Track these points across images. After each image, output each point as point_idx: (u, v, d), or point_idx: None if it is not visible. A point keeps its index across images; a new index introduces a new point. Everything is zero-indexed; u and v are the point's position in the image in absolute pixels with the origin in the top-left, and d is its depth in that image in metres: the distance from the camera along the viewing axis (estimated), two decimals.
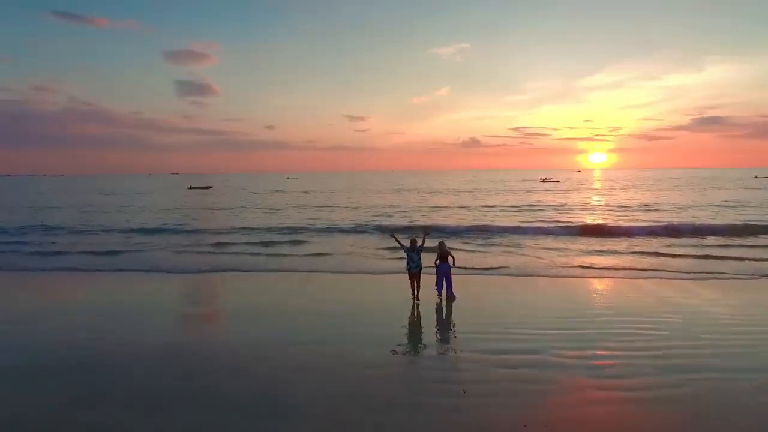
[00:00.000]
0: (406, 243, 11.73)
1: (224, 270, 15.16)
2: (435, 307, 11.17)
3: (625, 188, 69.13)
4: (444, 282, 11.50)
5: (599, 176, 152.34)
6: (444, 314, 10.69)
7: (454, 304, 11.24)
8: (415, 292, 11.49)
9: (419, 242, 11.62)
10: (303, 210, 37.04)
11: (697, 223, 23.53)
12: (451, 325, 9.95)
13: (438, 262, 11.57)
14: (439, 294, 11.60)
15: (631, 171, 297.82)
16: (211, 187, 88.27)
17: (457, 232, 21.50)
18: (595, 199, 44.79)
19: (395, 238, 12.26)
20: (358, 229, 23.53)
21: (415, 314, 10.74)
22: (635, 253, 17.08)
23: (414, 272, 11.44)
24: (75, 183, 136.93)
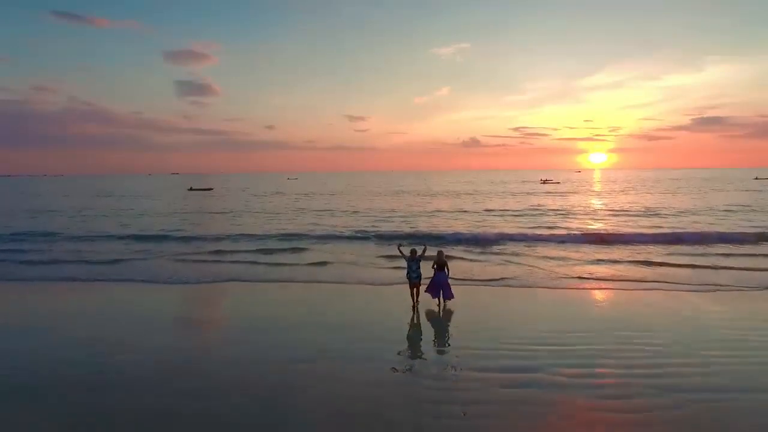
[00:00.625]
0: (407, 253, 12.27)
1: (224, 280, 15.13)
2: (434, 320, 11.27)
3: (625, 190, 69.14)
4: (440, 290, 11.87)
5: (599, 177, 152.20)
6: (444, 328, 10.72)
7: (453, 317, 11.32)
8: (415, 298, 12.13)
9: (419, 252, 12.18)
10: (303, 214, 37.03)
11: (699, 230, 23.36)
12: (451, 340, 9.93)
13: (435, 268, 11.98)
14: (437, 303, 11.98)
15: (631, 171, 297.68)
16: (211, 189, 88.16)
17: (457, 240, 21.43)
18: (596, 203, 44.77)
19: (400, 250, 12.85)
20: (358, 236, 23.49)
21: (415, 327, 10.79)
22: (636, 262, 17.02)
23: (414, 282, 12.02)
24: (75, 184, 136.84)
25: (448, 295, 11.86)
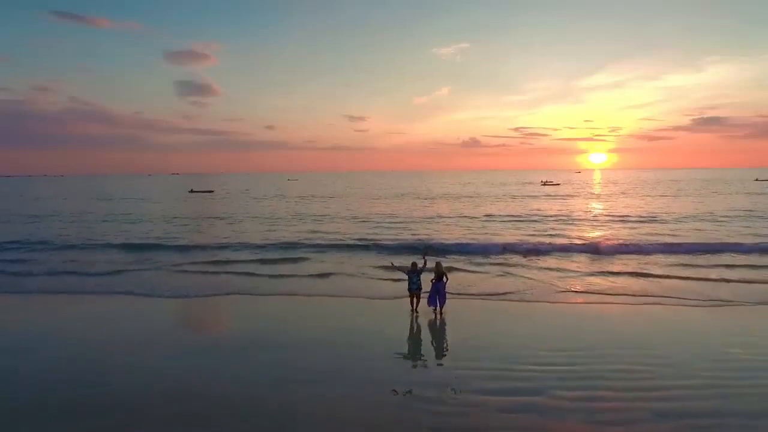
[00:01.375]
0: (407, 264, 12.93)
1: (223, 293, 15.07)
2: (434, 337, 11.34)
3: (625, 192, 69.29)
4: (437, 298, 12.50)
5: (599, 178, 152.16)
6: (443, 346, 10.76)
7: (452, 334, 11.43)
8: (414, 306, 12.73)
9: (420, 265, 12.68)
10: (303, 219, 36.91)
11: (701, 240, 23.05)
12: (450, 359, 9.91)
13: (434, 280, 12.51)
14: (434, 309, 12.53)
15: (631, 172, 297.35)
16: (212, 191, 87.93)
17: (456, 250, 21.35)
18: (596, 208, 44.68)
19: (396, 267, 13.64)
20: (359, 244, 23.45)
21: (415, 345, 10.82)
22: (637, 274, 16.95)
23: (414, 292, 12.70)
24: (74, 185, 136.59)
25: (443, 303, 12.52)
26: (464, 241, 23.16)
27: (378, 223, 33.08)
